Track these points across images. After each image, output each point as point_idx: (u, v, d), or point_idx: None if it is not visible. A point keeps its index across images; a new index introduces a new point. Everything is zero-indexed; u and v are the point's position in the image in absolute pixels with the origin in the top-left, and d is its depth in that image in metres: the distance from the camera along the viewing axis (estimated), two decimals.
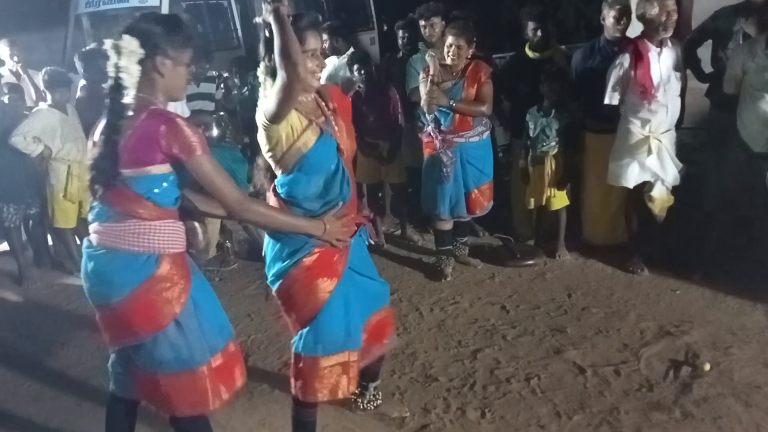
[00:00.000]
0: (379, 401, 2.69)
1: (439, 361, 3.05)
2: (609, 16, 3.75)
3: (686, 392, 2.66)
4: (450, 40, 3.58)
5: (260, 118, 2.07)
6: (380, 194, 4.70)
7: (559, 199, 4.02)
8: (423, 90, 3.66)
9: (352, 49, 4.70)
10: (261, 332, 3.47)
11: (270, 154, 2.10)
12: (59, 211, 4.34)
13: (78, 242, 4.56)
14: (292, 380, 2.25)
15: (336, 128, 2.15)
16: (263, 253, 2.24)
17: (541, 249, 4.20)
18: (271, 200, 2.18)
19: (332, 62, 4.71)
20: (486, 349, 3.14)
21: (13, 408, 2.98)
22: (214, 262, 4.36)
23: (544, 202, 4.03)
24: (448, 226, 3.98)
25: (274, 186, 2.18)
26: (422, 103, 3.69)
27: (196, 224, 2.10)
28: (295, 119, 2.05)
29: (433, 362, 3.05)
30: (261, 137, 2.10)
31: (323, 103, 2.18)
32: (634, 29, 3.91)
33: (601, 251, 4.05)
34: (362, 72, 4.20)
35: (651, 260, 3.80)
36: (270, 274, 2.21)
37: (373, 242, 2.45)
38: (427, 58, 3.73)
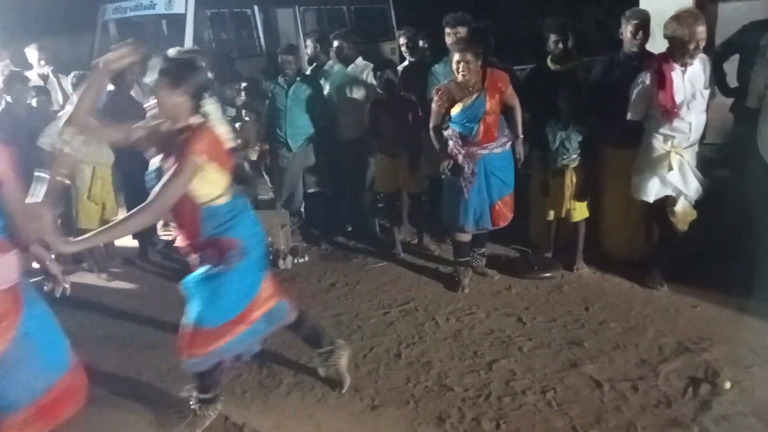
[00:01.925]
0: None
1: (455, 371, 3.05)
2: (627, 30, 3.75)
3: (705, 410, 2.62)
4: (457, 57, 3.57)
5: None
6: (398, 203, 4.72)
7: (580, 211, 4.01)
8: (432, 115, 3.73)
9: (360, 58, 4.77)
10: (277, 336, 3.46)
11: None
12: (83, 212, 4.42)
13: (101, 245, 4.64)
14: None
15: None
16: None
17: (559, 261, 4.18)
18: None
19: (341, 71, 4.77)
20: (502, 360, 3.13)
21: None
22: None
23: (563, 214, 4.02)
24: (467, 237, 3.98)
25: None
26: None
27: (41, 249, 2.04)
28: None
29: (448, 372, 3.05)
30: None
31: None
32: (656, 43, 3.91)
33: (619, 265, 4.01)
34: (383, 80, 4.24)
35: (670, 275, 3.77)
36: None
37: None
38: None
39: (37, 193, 2.14)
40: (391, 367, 3.12)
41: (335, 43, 4.81)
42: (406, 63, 4.81)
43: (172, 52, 3.99)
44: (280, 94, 4.68)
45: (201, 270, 2.48)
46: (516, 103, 3.81)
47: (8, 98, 4.43)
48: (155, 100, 2.46)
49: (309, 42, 5.13)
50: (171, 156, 2.31)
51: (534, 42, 4.31)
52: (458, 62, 3.57)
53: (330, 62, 4.89)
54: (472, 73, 3.58)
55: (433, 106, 3.77)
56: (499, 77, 3.71)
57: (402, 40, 4.76)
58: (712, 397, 2.70)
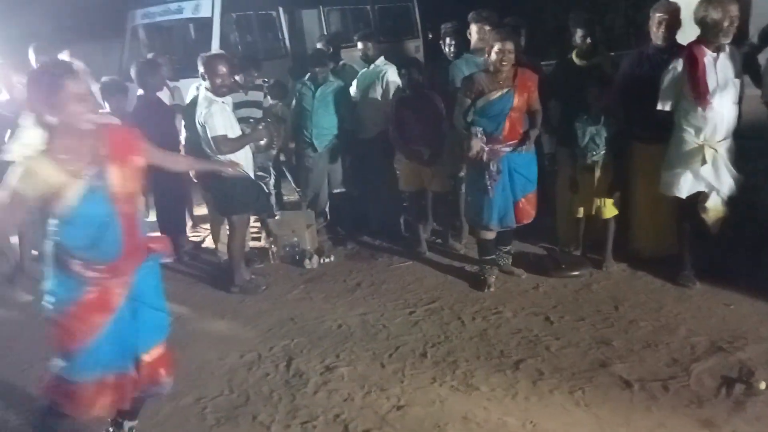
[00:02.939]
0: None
1: (481, 371, 3.04)
2: (653, 23, 3.67)
3: (739, 410, 2.56)
4: (498, 45, 3.56)
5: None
6: (423, 202, 4.71)
7: (609, 209, 3.95)
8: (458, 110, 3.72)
9: (381, 58, 4.79)
10: (304, 336, 3.53)
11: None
12: None
13: None
14: (49, 396, 2.27)
15: (107, 174, 2.12)
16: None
17: (588, 260, 4.12)
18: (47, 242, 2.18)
19: (364, 71, 4.80)
20: (529, 359, 3.10)
21: None
22: (254, 265, 4.47)
23: (593, 212, 3.96)
24: (492, 235, 3.96)
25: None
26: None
27: None
28: (52, 175, 2.02)
29: (474, 371, 3.04)
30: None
31: (96, 147, 2.13)
32: (686, 37, 3.82)
33: (650, 263, 3.94)
34: (408, 78, 4.25)
35: (703, 273, 3.68)
36: (48, 299, 2.19)
37: (171, 260, 2.44)
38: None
39: None
40: (416, 366, 3.12)
41: (359, 45, 4.84)
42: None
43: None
44: (307, 95, 4.73)
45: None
46: (539, 108, 3.79)
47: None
48: None
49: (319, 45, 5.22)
50: None
51: (558, 36, 4.26)
52: (499, 51, 3.55)
53: (342, 62, 4.94)
54: (509, 63, 3.58)
55: (459, 95, 3.76)
56: (529, 77, 3.70)
57: (447, 40, 4.70)
58: (747, 398, 2.63)
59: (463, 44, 4.47)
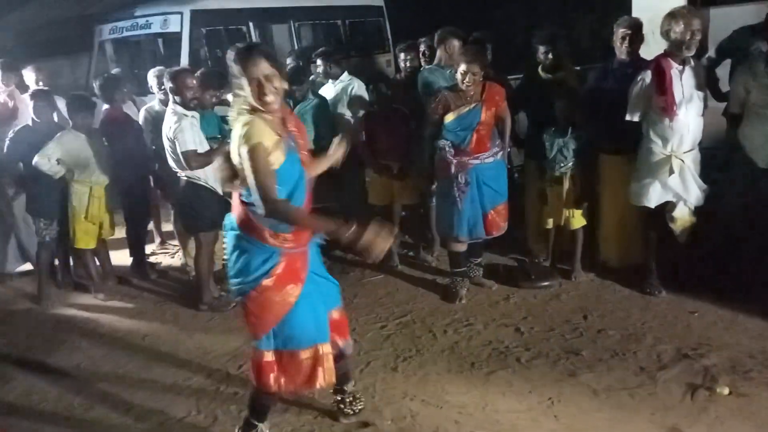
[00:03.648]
0: (361, 405, 2.79)
1: (452, 384, 3.03)
2: (617, 37, 3.77)
3: (703, 417, 2.60)
4: (463, 67, 3.60)
5: (241, 144, 2.15)
6: (393, 215, 4.70)
7: (578, 219, 4.00)
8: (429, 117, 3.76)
9: (346, 73, 4.82)
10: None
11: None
12: (80, 232, 4.42)
13: (97, 263, 4.64)
14: (262, 376, 2.39)
15: (298, 145, 2.30)
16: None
17: (557, 270, 4.17)
18: (239, 211, 2.31)
19: (329, 88, 4.83)
20: (500, 371, 3.11)
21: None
22: (225, 284, 4.40)
23: (562, 222, 4.02)
24: (462, 247, 3.98)
25: (242, 197, 2.30)
26: None
27: None
28: (268, 136, 2.16)
29: (445, 385, 3.03)
30: (234, 154, 2.21)
31: (286, 124, 2.31)
32: (650, 51, 3.92)
33: (617, 272, 4.00)
34: (376, 92, 4.27)
35: (668, 282, 3.75)
36: (236, 283, 2.33)
37: (324, 242, 2.54)
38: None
39: None
40: (387, 381, 3.10)
41: (318, 62, 4.86)
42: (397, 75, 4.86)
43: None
44: None
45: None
46: (508, 118, 3.88)
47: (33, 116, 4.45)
48: None
49: (289, 60, 5.21)
50: None
51: (527, 51, 4.33)
52: (464, 73, 3.60)
53: (312, 77, 4.95)
54: (475, 83, 3.63)
55: (428, 112, 3.79)
56: (497, 91, 3.76)
57: (402, 56, 4.79)
58: (710, 404, 2.68)
59: (418, 60, 4.55)
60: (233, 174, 2.31)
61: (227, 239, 2.38)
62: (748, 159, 3.42)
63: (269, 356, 2.36)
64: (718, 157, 4.45)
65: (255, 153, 2.12)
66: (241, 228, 2.29)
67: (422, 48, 4.72)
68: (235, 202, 2.34)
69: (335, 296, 2.59)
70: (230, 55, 2.19)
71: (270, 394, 2.47)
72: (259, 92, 2.16)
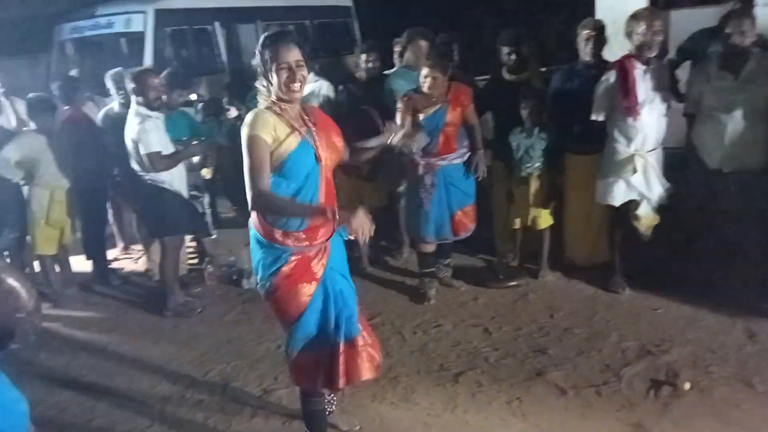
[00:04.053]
0: (332, 409, 2.72)
1: (421, 386, 3.03)
2: (580, 39, 3.82)
3: (667, 412, 2.65)
4: (425, 71, 3.61)
5: (242, 134, 2.19)
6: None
7: (545, 219, 4.04)
8: (398, 120, 3.68)
9: (312, 74, 4.77)
10: (242, 359, 3.43)
11: None
12: (40, 237, 4.30)
13: (57, 270, 4.51)
14: (292, 375, 2.42)
15: (316, 138, 2.26)
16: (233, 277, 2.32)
17: (524, 270, 4.20)
18: (252, 212, 2.30)
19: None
20: (468, 372, 3.12)
21: None
22: (191, 290, 4.35)
23: (529, 222, 4.06)
24: (431, 248, 3.98)
25: None
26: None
27: (14, 282, 1.72)
28: (279, 128, 2.18)
29: (415, 386, 3.02)
30: (246, 152, 2.19)
31: (306, 117, 2.30)
32: (613, 52, 3.99)
33: (583, 271, 4.06)
34: (345, 93, 4.24)
35: (632, 279, 3.82)
36: (258, 279, 2.36)
37: (350, 238, 2.48)
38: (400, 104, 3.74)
39: None
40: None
41: None
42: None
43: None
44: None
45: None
46: (475, 121, 3.85)
47: None
48: None
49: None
50: None
51: (494, 52, 4.36)
52: (426, 76, 3.60)
53: None
54: (437, 87, 3.62)
55: (398, 113, 3.78)
56: (462, 91, 3.76)
57: (397, 48, 4.73)
58: (673, 399, 2.73)
59: (380, 61, 4.52)
60: None
61: (250, 237, 2.35)
62: (699, 159, 3.52)
63: (290, 355, 2.37)
64: (679, 156, 4.56)
65: (250, 143, 2.15)
66: (255, 228, 2.31)
67: (397, 48, 4.70)
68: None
69: (352, 299, 2.47)
70: (261, 42, 2.21)
71: (313, 398, 2.46)
72: (288, 79, 2.16)
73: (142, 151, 3.71)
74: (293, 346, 2.34)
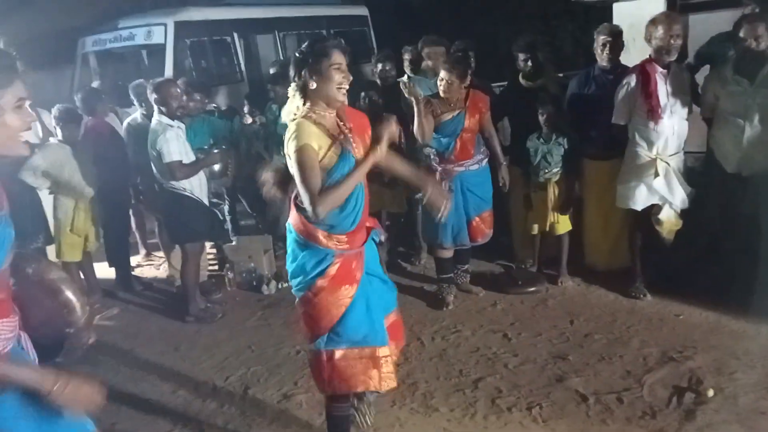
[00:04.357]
0: (372, 418, 2.69)
1: (440, 391, 3.02)
2: (598, 45, 3.82)
3: (690, 419, 2.62)
4: (442, 74, 3.64)
5: (289, 146, 2.18)
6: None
7: (563, 224, 4.03)
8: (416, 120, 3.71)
9: None
10: (261, 364, 3.46)
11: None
12: (66, 245, 4.38)
13: (82, 277, 4.59)
14: (321, 378, 2.37)
15: (354, 145, 2.26)
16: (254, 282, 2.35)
17: (543, 275, 4.18)
18: (293, 215, 2.32)
19: None
20: (488, 378, 3.11)
21: None
22: (212, 296, 4.39)
23: (547, 228, 4.04)
24: (449, 254, 3.99)
25: (296, 201, 2.31)
26: (415, 132, 3.70)
27: (71, 296, 1.67)
28: (321, 139, 2.19)
29: (434, 392, 3.02)
30: (290, 160, 2.20)
31: (341, 122, 2.29)
32: (630, 58, 3.97)
33: (603, 277, 4.03)
34: (367, 101, 4.27)
35: (653, 285, 3.78)
36: (294, 284, 2.35)
37: (382, 239, 2.56)
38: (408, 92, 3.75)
39: None
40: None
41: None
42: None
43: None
44: (271, 120, 4.69)
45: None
46: (492, 131, 3.87)
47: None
48: None
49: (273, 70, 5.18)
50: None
51: (510, 59, 4.37)
52: (442, 80, 3.63)
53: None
54: (454, 92, 3.64)
55: (416, 116, 3.78)
56: (480, 99, 3.78)
57: (406, 56, 4.76)
58: (697, 406, 2.69)
59: (396, 70, 4.56)
60: (282, 179, 2.34)
61: (287, 241, 2.37)
62: (717, 163, 3.49)
63: (324, 357, 2.33)
64: (700, 160, 4.52)
65: (301, 153, 2.14)
66: (297, 231, 2.31)
67: (407, 56, 4.74)
68: (292, 206, 2.35)
69: (391, 299, 2.55)
70: (305, 47, 2.22)
71: (341, 403, 2.44)
72: (344, 78, 2.19)
73: (164, 160, 3.78)
74: (332, 346, 2.31)
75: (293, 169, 2.17)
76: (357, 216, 2.30)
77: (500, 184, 3.91)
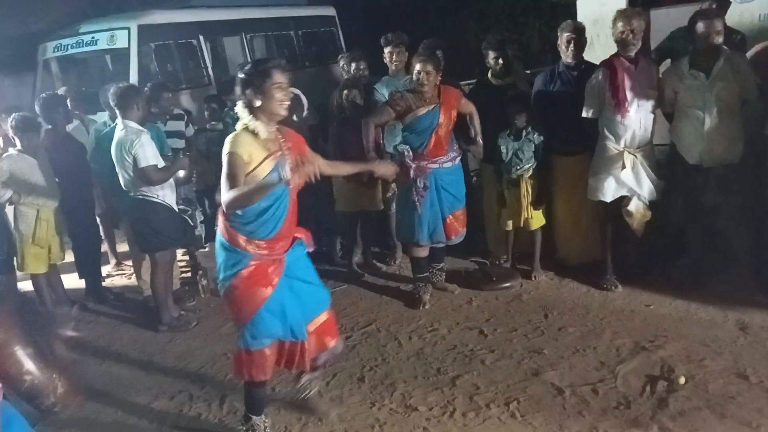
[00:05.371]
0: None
1: (419, 390, 3.03)
2: (561, 42, 3.87)
3: (663, 407, 2.67)
4: (418, 66, 3.64)
5: (225, 150, 2.41)
6: (357, 224, 4.69)
7: (537, 219, 4.08)
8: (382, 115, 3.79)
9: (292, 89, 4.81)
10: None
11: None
12: (29, 256, 4.27)
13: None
14: (240, 371, 2.62)
15: (288, 162, 2.45)
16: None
17: (517, 271, 4.23)
18: (220, 220, 2.56)
19: None
20: (465, 375, 3.12)
21: None
22: (186, 303, 4.33)
23: (522, 224, 4.08)
24: (424, 252, 4.00)
25: (220, 208, 2.52)
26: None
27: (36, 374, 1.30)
28: (256, 151, 2.41)
29: (412, 392, 3.03)
30: (224, 165, 2.41)
31: (281, 139, 2.53)
32: (595, 53, 4.04)
33: (575, 270, 4.09)
34: (349, 100, 4.25)
35: (624, 276, 3.85)
36: (219, 280, 2.59)
37: (311, 250, 2.74)
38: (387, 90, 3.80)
39: None
40: (354, 391, 3.09)
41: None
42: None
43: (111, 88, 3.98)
44: (230, 125, 4.63)
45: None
46: (472, 108, 3.87)
47: None
48: None
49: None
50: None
51: (479, 57, 4.41)
52: (419, 72, 3.63)
53: None
54: (431, 83, 3.65)
55: (386, 106, 3.78)
56: (452, 93, 3.80)
57: (354, 65, 4.76)
58: (669, 394, 2.75)
59: (368, 69, 4.56)
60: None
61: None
62: (680, 155, 3.57)
63: (243, 354, 2.58)
64: (665, 153, 4.61)
65: (228, 158, 2.38)
66: (221, 234, 2.55)
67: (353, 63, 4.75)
68: (219, 212, 2.57)
69: (320, 301, 2.75)
70: (249, 67, 2.45)
71: (255, 385, 2.65)
72: (284, 97, 2.43)
73: (140, 165, 3.70)
74: (248, 343, 2.55)
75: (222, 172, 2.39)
76: (276, 225, 2.50)
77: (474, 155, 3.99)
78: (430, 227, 3.86)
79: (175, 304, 4.16)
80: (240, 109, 2.46)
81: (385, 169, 2.97)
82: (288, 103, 2.46)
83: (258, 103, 2.40)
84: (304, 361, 2.68)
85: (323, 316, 2.74)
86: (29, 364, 1.31)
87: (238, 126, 2.48)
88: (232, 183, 2.34)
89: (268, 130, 2.46)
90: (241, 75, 2.46)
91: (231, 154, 2.37)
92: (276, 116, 2.46)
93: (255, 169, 2.40)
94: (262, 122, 2.44)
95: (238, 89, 2.46)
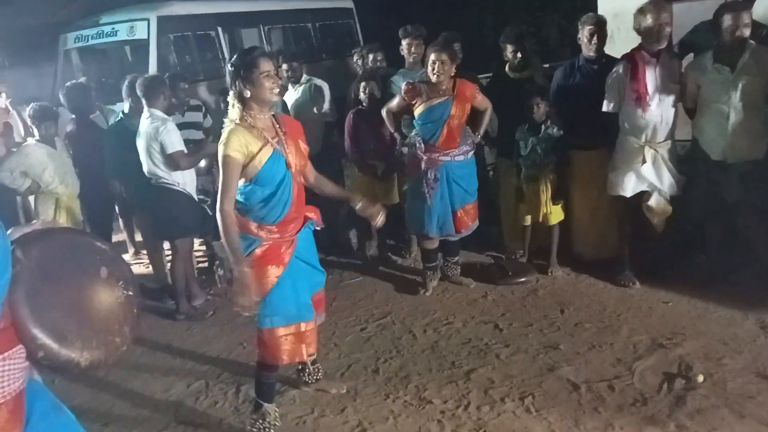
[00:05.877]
0: (319, 376, 3.03)
1: (433, 383, 3.03)
2: (583, 35, 3.83)
3: (680, 405, 2.65)
4: (433, 56, 3.63)
5: (218, 150, 2.48)
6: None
7: (556, 214, 4.05)
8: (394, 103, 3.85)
9: (304, 76, 4.82)
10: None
11: None
12: None
13: None
14: (262, 352, 2.68)
15: (286, 147, 2.54)
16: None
17: (533, 266, 4.21)
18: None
19: (290, 93, 4.82)
20: (480, 369, 3.12)
21: None
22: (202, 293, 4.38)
23: (540, 219, 4.06)
24: (434, 244, 4.00)
25: None
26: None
27: (37, 334, 1.49)
28: (252, 143, 2.46)
29: (426, 384, 3.03)
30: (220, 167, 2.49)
31: (277, 125, 2.58)
32: (615, 47, 3.99)
33: (592, 266, 4.05)
34: (366, 91, 4.25)
35: (641, 273, 3.81)
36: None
37: (319, 228, 2.82)
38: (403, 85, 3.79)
39: None
40: (369, 383, 3.10)
41: (284, 67, 4.78)
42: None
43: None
44: None
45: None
46: (488, 105, 3.87)
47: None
48: None
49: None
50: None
51: (496, 50, 4.37)
52: (434, 62, 3.61)
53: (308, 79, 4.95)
54: (446, 74, 3.63)
55: (399, 96, 3.81)
56: (468, 87, 3.77)
57: (371, 57, 4.74)
58: (687, 392, 2.72)
59: (386, 61, 4.55)
60: None
61: None
62: (702, 151, 3.52)
63: (264, 334, 2.62)
64: (686, 148, 4.55)
65: (223, 162, 2.45)
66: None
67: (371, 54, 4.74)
68: None
69: (319, 280, 2.84)
70: (235, 59, 2.47)
71: (266, 369, 2.72)
72: (274, 84, 2.46)
73: (168, 151, 3.75)
74: (262, 322, 2.60)
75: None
76: (283, 211, 2.56)
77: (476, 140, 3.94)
78: (440, 220, 3.86)
79: (201, 290, 4.22)
80: (231, 101, 2.50)
81: (370, 211, 2.84)
82: (277, 90, 2.51)
83: (248, 94, 2.45)
84: (312, 341, 2.74)
85: (319, 294, 2.85)
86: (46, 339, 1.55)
87: (230, 121, 2.49)
88: (227, 186, 2.43)
89: (261, 118, 2.51)
90: (228, 67, 2.50)
91: (225, 158, 2.44)
92: (267, 104, 2.51)
93: (253, 158, 2.45)
94: (254, 111, 2.48)
95: (228, 82, 2.51)
